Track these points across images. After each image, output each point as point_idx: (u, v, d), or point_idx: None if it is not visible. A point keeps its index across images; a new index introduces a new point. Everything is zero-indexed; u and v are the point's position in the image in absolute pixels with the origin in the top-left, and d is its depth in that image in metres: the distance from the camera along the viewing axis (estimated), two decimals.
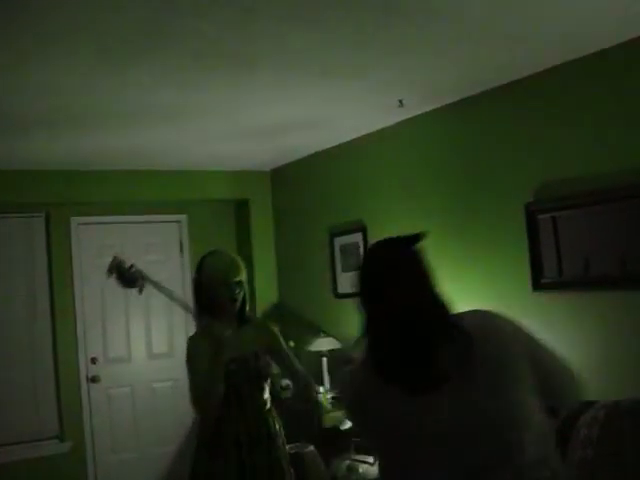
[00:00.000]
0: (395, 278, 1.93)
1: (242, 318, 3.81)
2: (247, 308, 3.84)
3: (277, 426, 3.83)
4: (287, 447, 3.92)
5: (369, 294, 1.97)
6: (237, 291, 3.71)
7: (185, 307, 3.92)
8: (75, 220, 6.81)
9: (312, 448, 5.01)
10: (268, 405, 3.81)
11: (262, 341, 3.82)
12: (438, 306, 1.93)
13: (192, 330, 6.93)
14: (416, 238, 2.01)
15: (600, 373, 3.78)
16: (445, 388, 1.85)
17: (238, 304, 3.74)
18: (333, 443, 5.48)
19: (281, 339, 3.90)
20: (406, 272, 1.94)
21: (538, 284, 4.36)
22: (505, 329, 1.94)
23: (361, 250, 6.02)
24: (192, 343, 3.80)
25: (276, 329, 3.96)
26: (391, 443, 1.98)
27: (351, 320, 6.11)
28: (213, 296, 3.71)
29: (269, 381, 3.82)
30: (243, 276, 3.76)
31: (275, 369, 3.86)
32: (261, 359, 3.75)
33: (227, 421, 3.66)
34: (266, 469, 3.69)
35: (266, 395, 3.79)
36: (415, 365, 1.87)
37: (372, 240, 5.87)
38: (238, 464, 3.63)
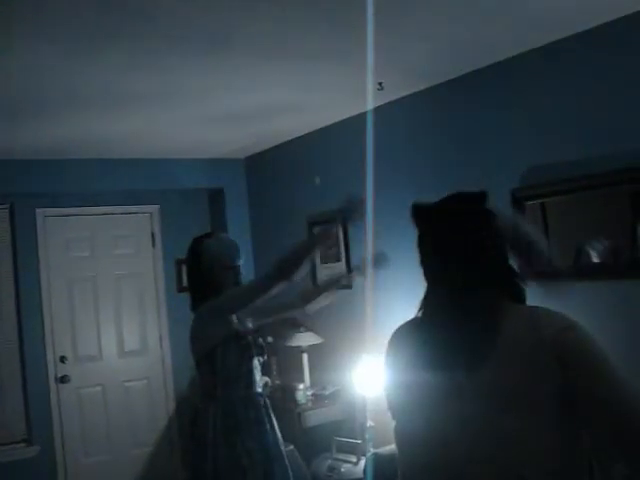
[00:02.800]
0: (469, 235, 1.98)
1: None
2: None
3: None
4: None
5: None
6: (238, 275, 3.73)
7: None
8: (41, 212, 6.76)
9: (292, 447, 5.01)
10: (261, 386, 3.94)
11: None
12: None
13: (166, 326, 6.99)
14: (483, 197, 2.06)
15: None
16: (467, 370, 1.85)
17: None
18: (314, 442, 5.48)
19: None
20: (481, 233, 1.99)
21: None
22: (565, 345, 1.80)
23: (341, 240, 6.01)
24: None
25: None
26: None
27: (330, 313, 6.11)
28: (216, 281, 3.71)
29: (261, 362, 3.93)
30: (242, 260, 3.80)
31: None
32: (260, 336, 3.88)
33: (238, 396, 3.76)
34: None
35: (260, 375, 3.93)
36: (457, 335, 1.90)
37: (352, 229, 5.86)
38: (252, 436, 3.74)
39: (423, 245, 2.07)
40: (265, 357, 3.90)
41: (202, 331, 3.73)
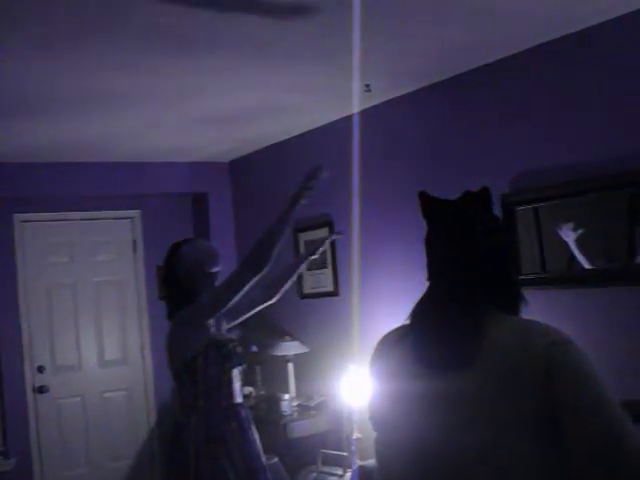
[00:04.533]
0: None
1: None
2: None
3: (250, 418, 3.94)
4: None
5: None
6: (214, 283, 3.71)
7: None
8: (18, 217, 6.71)
9: (276, 460, 4.99)
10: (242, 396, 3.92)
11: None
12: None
13: (148, 335, 6.95)
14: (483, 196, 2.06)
15: None
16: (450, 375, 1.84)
17: None
18: (299, 454, 5.46)
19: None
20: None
21: None
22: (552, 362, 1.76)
23: (327, 246, 5.98)
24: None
25: None
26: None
27: (316, 321, 6.10)
28: (192, 288, 3.69)
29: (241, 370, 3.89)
30: (221, 266, 3.77)
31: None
32: (238, 345, 3.83)
33: (219, 406, 3.72)
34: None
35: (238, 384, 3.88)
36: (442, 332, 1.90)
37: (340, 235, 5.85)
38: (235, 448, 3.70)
39: (432, 246, 2.05)
40: (245, 366, 3.87)
41: (179, 341, 3.71)
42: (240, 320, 4.03)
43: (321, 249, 4.20)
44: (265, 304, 4.13)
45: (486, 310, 1.91)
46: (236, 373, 3.79)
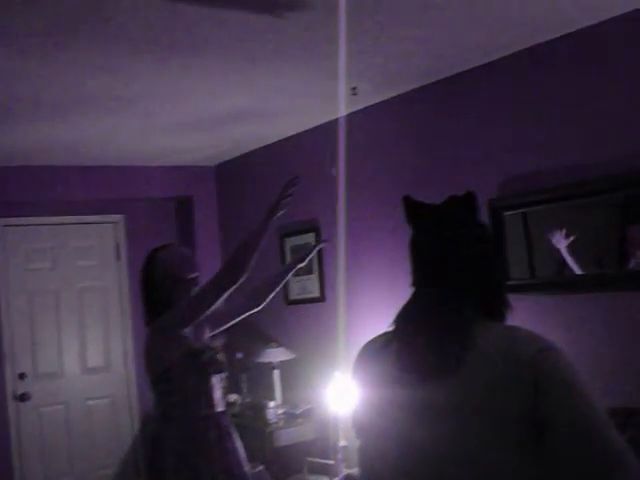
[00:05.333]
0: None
1: None
2: None
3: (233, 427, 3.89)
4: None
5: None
6: (192, 290, 3.68)
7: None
8: (0, 222, 6.68)
9: (262, 468, 4.97)
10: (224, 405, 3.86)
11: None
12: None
13: (132, 341, 6.92)
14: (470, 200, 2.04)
15: None
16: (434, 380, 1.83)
17: None
18: (285, 463, 5.44)
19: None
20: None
21: None
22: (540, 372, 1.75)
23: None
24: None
25: None
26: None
27: (302, 327, 6.09)
28: (168, 294, 3.67)
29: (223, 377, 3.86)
30: (198, 272, 3.75)
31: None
32: (219, 352, 3.80)
33: (198, 415, 3.68)
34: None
35: (222, 393, 3.84)
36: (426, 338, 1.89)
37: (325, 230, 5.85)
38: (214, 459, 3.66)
39: (416, 252, 2.04)
40: (226, 374, 3.85)
41: (155, 350, 3.68)
42: (225, 327, 4.02)
43: (309, 257, 4.19)
44: (251, 312, 4.12)
45: (471, 316, 1.90)
46: (216, 381, 3.76)
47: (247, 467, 3.85)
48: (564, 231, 4.04)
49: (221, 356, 3.79)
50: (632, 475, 1.68)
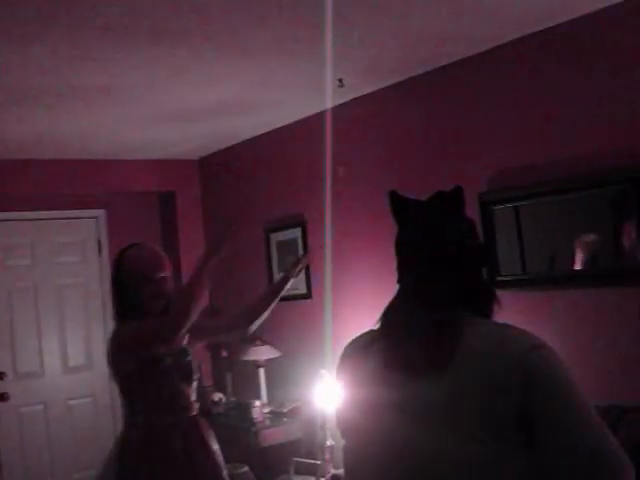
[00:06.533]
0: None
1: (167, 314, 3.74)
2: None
3: (210, 431, 3.84)
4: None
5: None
6: (160, 289, 3.66)
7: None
8: None
9: (247, 469, 4.96)
10: (196, 409, 3.80)
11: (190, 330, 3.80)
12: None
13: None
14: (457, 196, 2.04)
15: None
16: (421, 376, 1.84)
17: (162, 302, 3.67)
18: (271, 463, 5.44)
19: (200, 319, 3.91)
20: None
21: (493, 282, 4.34)
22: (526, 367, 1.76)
23: (300, 247, 5.98)
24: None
25: None
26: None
27: (289, 325, 6.07)
28: (136, 295, 3.65)
29: (196, 382, 3.81)
30: (167, 272, 3.71)
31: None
32: (188, 353, 3.76)
33: (160, 420, 3.63)
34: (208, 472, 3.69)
35: (194, 396, 3.78)
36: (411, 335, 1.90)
37: (313, 236, 5.84)
38: (174, 466, 3.59)
39: (403, 248, 2.04)
40: (196, 376, 3.80)
41: (113, 358, 3.65)
42: (200, 342, 4.01)
43: (297, 270, 4.12)
44: (237, 333, 4.17)
45: (459, 313, 1.90)
46: (184, 387, 3.71)
47: (225, 471, 3.82)
48: (592, 236, 4.01)
49: (188, 358, 3.75)
50: (622, 472, 1.70)
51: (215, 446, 3.80)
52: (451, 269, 1.95)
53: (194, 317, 3.41)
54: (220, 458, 3.81)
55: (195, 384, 3.79)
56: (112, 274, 3.78)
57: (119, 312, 3.73)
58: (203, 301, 3.46)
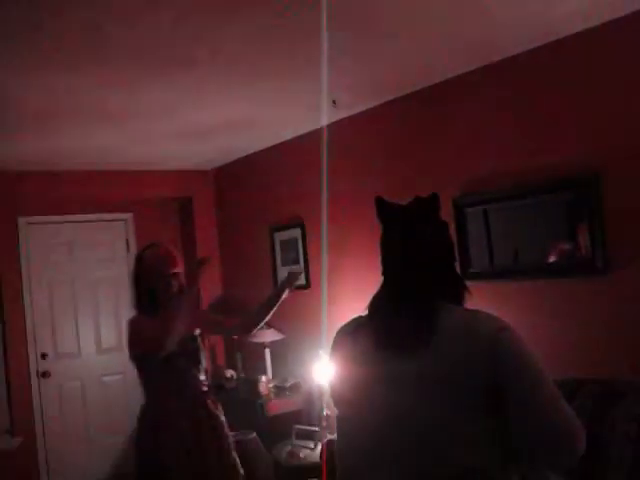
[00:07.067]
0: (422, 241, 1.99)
1: None
2: None
3: (219, 409, 3.81)
4: (231, 434, 3.89)
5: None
6: (172, 283, 3.65)
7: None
8: (23, 220, 6.64)
9: (254, 435, 4.96)
10: (205, 388, 3.77)
11: (196, 322, 3.81)
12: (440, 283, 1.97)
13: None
14: (434, 201, 2.05)
15: None
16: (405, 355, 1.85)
17: (175, 294, 3.66)
18: (275, 430, 5.43)
19: (208, 311, 3.90)
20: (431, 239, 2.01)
21: (465, 274, 4.34)
22: (494, 348, 1.78)
23: (300, 245, 5.98)
24: (138, 320, 3.70)
25: (203, 309, 3.99)
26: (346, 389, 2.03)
27: (290, 312, 6.07)
28: (151, 288, 3.65)
29: (204, 364, 3.78)
30: (179, 268, 3.69)
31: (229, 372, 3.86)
32: (198, 340, 3.75)
33: (168, 402, 3.63)
34: (214, 450, 3.67)
35: (202, 377, 3.75)
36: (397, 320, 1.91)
37: (310, 235, 5.84)
38: (184, 451, 3.57)
39: (386, 246, 2.05)
40: (204, 360, 3.76)
41: (127, 343, 3.64)
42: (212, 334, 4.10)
43: (285, 289, 4.06)
44: (241, 334, 4.42)
45: (436, 301, 1.91)
46: (190, 371, 3.69)
47: (228, 440, 3.79)
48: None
49: (195, 347, 3.71)
50: (575, 437, 1.74)
51: (222, 418, 3.80)
52: (426, 263, 1.96)
53: (171, 345, 3.41)
54: (226, 429, 3.80)
55: (203, 367, 3.75)
56: (133, 271, 3.78)
57: (136, 304, 3.73)
58: (180, 330, 3.45)
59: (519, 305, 4.06)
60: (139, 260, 3.74)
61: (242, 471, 3.84)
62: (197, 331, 3.78)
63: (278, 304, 3.86)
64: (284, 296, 3.87)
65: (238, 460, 3.84)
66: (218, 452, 3.70)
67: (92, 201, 6.88)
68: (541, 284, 3.98)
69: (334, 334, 2.15)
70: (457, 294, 2.00)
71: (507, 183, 4.10)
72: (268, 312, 3.89)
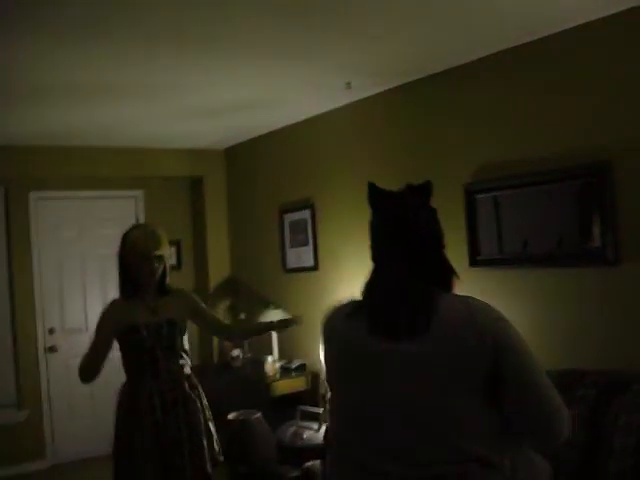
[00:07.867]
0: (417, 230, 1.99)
1: (162, 290, 3.73)
2: (167, 281, 3.75)
3: (196, 391, 3.76)
4: (232, 415, 3.89)
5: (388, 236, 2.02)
6: (156, 265, 3.63)
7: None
8: (34, 195, 6.65)
9: (259, 415, 4.98)
10: (187, 371, 3.73)
11: (184, 308, 3.80)
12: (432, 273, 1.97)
13: None
14: (427, 189, 2.06)
15: (533, 343, 3.78)
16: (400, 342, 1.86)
17: (157, 277, 3.66)
18: (280, 410, 5.46)
19: (199, 301, 3.92)
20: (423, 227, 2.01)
21: (475, 261, 4.34)
22: (492, 334, 1.82)
23: (309, 226, 5.97)
24: (109, 308, 3.73)
25: (193, 294, 3.99)
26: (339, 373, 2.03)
27: (298, 293, 6.09)
28: (135, 270, 3.63)
29: (184, 347, 3.77)
30: (163, 250, 3.66)
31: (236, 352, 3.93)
32: (177, 325, 3.69)
33: (142, 382, 3.62)
34: (182, 430, 3.62)
35: (182, 361, 3.71)
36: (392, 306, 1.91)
37: (319, 217, 5.83)
38: (152, 424, 3.57)
39: (378, 231, 2.04)
40: (174, 345, 3.68)
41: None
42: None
43: (283, 330, 4.19)
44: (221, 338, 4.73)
45: (429, 287, 1.92)
46: (166, 355, 3.65)
47: (202, 427, 3.74)
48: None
49: (170, 332, 3.66)
50: (566, 422, 1.82)
51: (201, 402, 3.76)
52: (419, 250, 1.97)
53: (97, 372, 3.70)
54: (200, 415, 3.73)
55: (179, 351, 3.70)
56: (118, 251, 3.71)
57: (122, 284, 3.70)
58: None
59: (527, 293, 4.05)
60: (124, 240, 3.67)
61: (222, 458, 3.83)
62: (175, 316, 3.72)
63: (260, 335, 4.16)
64: (266, 333, 3.99)
65: (218, 448, 3.80)
66: (189, 436, 3.64)
67: (103, 177, 6.88)
68: (550, 273, 3.97)
69: (326, 316, 2.12)
70: (447, 280, 2.00)
71: (518, 170, 4.08)
72: (252, 336, 4.35)
